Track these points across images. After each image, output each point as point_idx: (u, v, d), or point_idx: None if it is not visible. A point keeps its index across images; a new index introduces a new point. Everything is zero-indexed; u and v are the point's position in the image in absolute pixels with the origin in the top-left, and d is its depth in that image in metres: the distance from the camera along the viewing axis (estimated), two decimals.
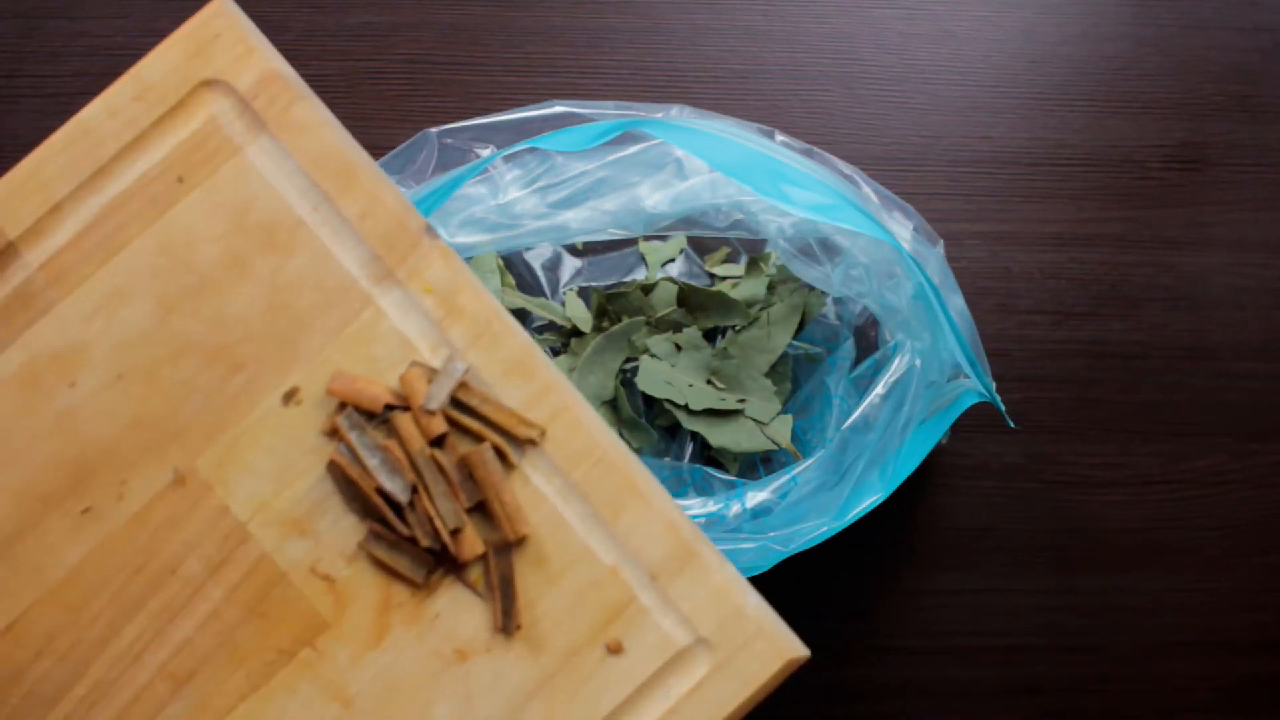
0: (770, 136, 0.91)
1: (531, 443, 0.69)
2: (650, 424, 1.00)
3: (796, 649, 0.69)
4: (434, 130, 0.92)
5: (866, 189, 0.92)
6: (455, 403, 0.69)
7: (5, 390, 0.69)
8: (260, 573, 0.69)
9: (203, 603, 0.69)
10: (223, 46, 0.70)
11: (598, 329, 1.01)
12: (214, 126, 0.70)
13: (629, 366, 1.01)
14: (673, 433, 1.01)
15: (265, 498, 0.70)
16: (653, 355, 0.99)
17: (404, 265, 0.70)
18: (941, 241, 0.92)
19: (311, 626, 0.69)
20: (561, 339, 1.02)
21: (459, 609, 0.69)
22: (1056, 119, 1.08)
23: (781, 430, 0.97)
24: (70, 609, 0.69)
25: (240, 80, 0.70)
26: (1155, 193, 1.07)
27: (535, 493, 0.69)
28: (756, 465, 1.01)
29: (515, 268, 1.03)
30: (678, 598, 0.69)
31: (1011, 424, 0.97)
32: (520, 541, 0.69)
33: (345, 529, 0.70)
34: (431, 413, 0.68)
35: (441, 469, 0.68)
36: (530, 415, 0.70)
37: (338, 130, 0.71)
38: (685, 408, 0.97)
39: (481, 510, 0.69)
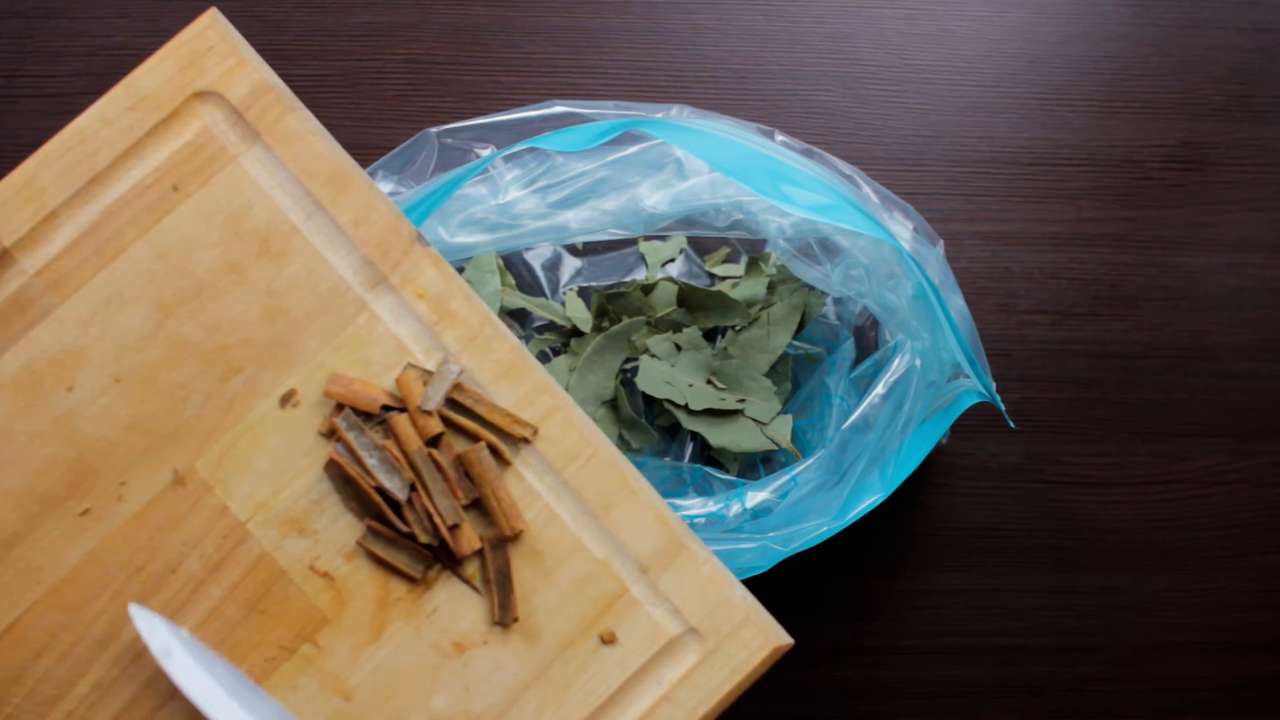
0: (770, 136, 0.92)
1: (525, 441, 0.72)
2: (650, 424, 1.01)
3: (781, 637, 0.72)
4: (434, 130, 0.94)
5: (866, 189, 0.93)
6: (450, 403, 0.72)
7: (3, 394, 0.71)
8: (260, 571, 0.71)
9: (203, 601, 0.71)
10: (215, 59, 0.73)
11: (598, 329, 1.02)
12: (207, 136, 0.72)
13: (629, 366, 1.01)
14: (673, 432, 1.02)
15: (264, 497, 0.72)
16: (653, 355, 1.00)
17: (397, 271, 0.72)
18: (941, 241, 0.94)
19: (312, 622, 0.71)
20: (561, 339, 1.04)
21: (456, 603, 0.72)
22: (1056, 119, 1.09)
23: (781, 430, 0.99)
24: (71, 609, 0.70)
25: (232, 91, 0.73)
26: (1155, 193, 1.08)
27: (528, 490, 0.72)
28: (757, 465, 1.02)
29: (515, 268, 1.04)
30: (668, 589, 0.72)
31: (1012, 424, 0.98)
32: (516, 536, 0.71)
33: (343, 527, 0.72)
34: (428, 413, 0.70)
35: (439, 467, 0.71)
36: (523, 416, 0.72)
37: (329, 140, 0.73)
38: (685, 408, 0.98)
39: (477, 507, 0.72)
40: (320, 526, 0.72)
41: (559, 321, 1.02)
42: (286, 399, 0.72)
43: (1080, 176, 1.08)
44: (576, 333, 1.02)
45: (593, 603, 0.72)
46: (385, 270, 0.72)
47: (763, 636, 0.72)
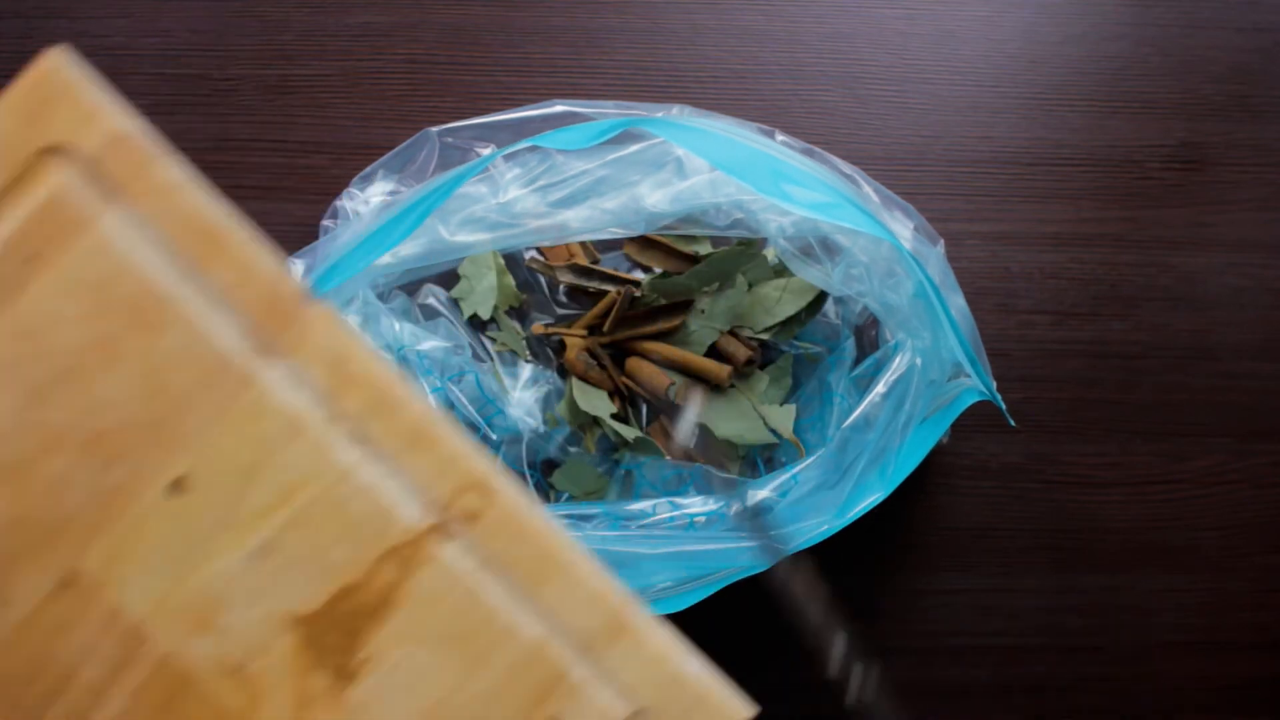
0: (770, 136, 0.92)
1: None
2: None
3: (740, 710, 0.63)
4: (435, 129, 0.93)
5: (867, 188, 0.91)
6: None
7: None
8: (164, 673, 0.64)
9: (107, 709, 0.63)
10: (62, 109, 0.62)
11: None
12: (61, 198, 0.62)
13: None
14: None
15: (161, 594, 0.64)
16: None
17: (285, 335, 0.63)
18: (942, 241, 0.91)
19: None
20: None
21: (383, 696, 0.64)
22: (1056, 119, 1.06)
23: (784, 420, 0.99)
24: None
25: (85, 144, 0.62)
26: (1155, 193, 1.06)
27: (448, 572, 0.63)
28: (757, 464, 1.01)
29: (516, 269, 1.04)
30: (615, 667, 0.63)
31: (1012, 422, 0.96)
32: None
33: (251, 621, 0.64)
34: None
35: None
36: (438, 487, 0.63)
37: (200, 192, 0.62)
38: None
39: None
40: (226, 622, 0.64)
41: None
42: (176, 486, 0.63)
43: (1080, 176, 1.06)
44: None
45: (531, 688, 0.64)
46: (272, 335, 0.63)
47: (720, 711, 0.64)
